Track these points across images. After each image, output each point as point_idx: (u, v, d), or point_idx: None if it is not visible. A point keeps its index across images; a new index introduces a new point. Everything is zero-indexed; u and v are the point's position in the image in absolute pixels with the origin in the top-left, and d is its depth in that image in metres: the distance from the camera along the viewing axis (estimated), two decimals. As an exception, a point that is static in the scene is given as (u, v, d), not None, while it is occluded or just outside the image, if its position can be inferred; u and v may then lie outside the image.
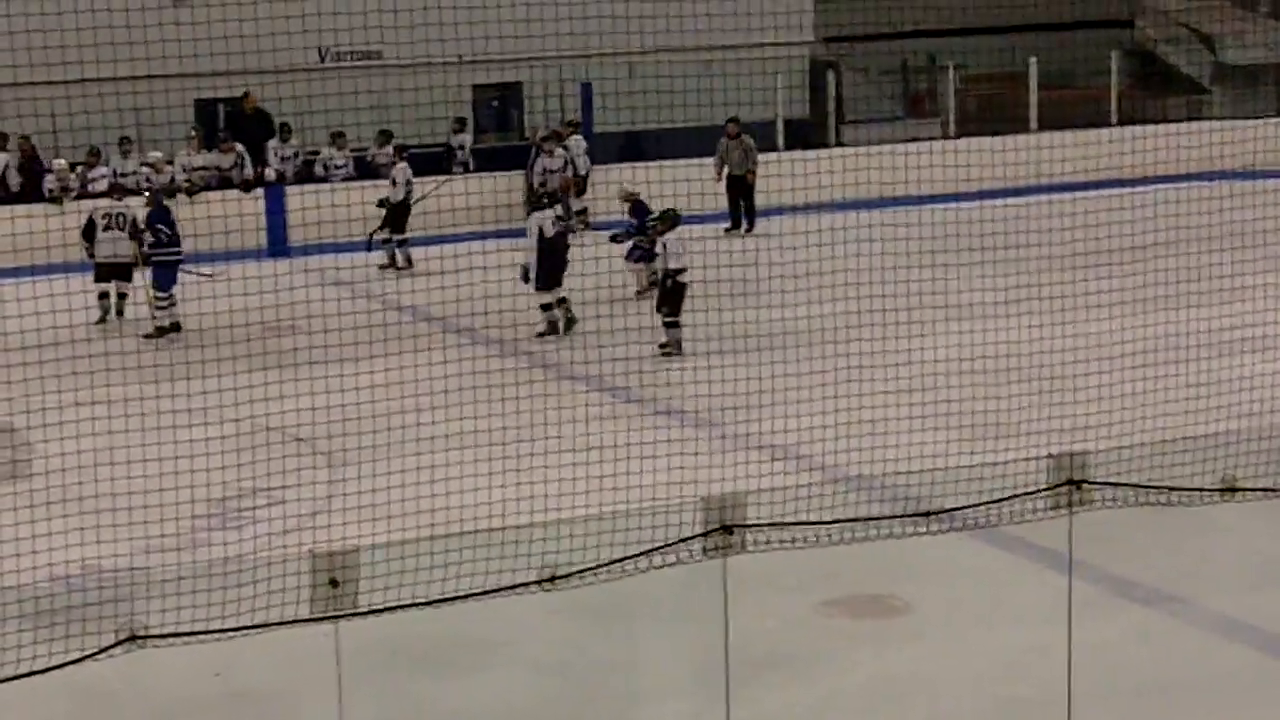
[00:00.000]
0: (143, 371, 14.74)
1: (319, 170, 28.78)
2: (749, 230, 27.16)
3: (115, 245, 21.94)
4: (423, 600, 10.33)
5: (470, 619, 10.64)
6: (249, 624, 10.08)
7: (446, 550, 10.58)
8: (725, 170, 27.86)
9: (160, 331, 20.76)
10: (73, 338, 14.48)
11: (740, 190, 27.80)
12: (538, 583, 10.51)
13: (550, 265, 19.69)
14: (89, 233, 22.04)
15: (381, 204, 25.14)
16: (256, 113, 29.39)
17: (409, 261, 25.07)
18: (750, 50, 29.03)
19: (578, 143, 29.26)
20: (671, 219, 19.22)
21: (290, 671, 10.35)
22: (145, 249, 21.32)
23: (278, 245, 26.17)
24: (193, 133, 28.65)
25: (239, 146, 28.53)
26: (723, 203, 27.26)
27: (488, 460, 12.70)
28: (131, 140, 27.56)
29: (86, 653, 9.76)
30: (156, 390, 13.86)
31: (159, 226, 21.30)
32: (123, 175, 27.49)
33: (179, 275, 20.99)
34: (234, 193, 26.16)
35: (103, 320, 21.77)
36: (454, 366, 15.16)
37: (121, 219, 22.09)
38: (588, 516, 11.38)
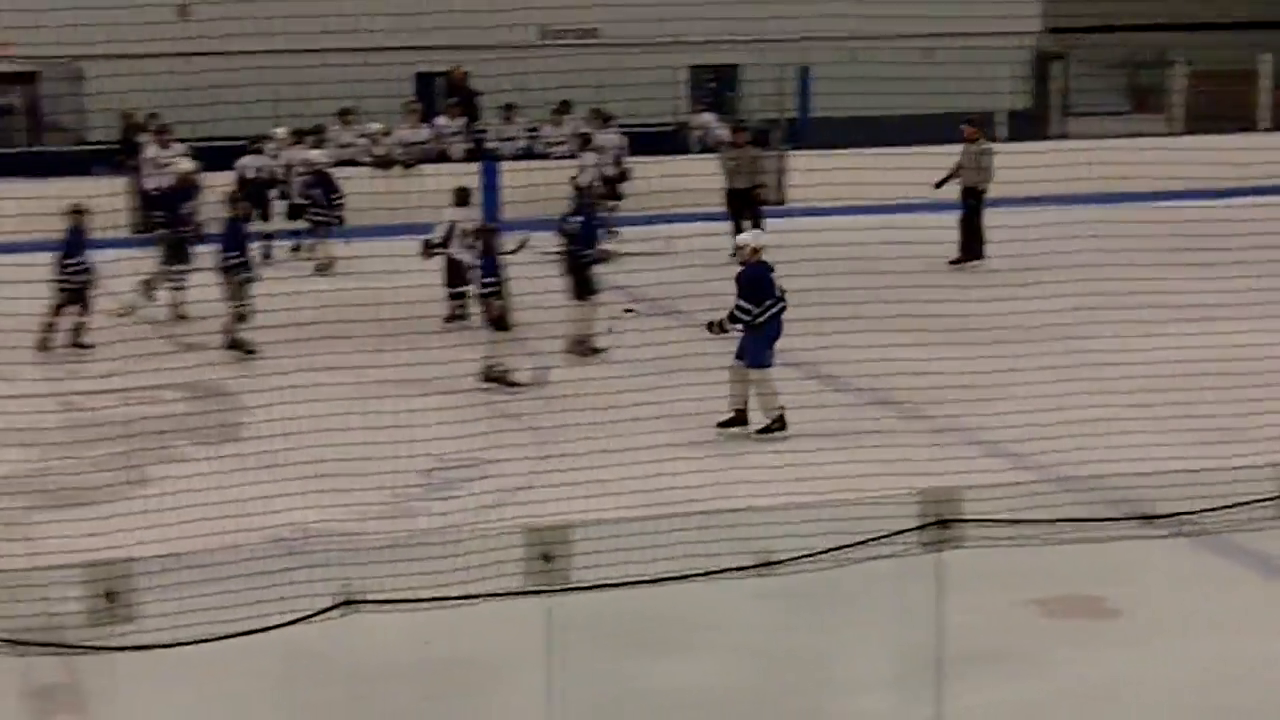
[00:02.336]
0: (364, 340, 14.94)
1: (539, 147, 28.90)
2: None
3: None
4: (634, 579, 10.37)
5: (680, 600, 10.67)
6: (461, 594, 10.20)
7: (659, 531, 10.62)
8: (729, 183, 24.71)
9: None
10: (296, 304, 14.68)
11: (746, 206, 24.40)
12: (752, 567, 10.51)
13: None
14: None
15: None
16: (465, 87, 29.60)
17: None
18: (974, 39, 28.69)
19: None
20: None
21: (499, 643, 10.42)
22: None
23: (491, 220, 26.33)
24: (411, 106, 28.90)
25: (463, 118, 28.75)
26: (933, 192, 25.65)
27: (703, 443, 12.69)
28: (352, 111, 27.89)
29: (301, 615, 9.92)
30: (379, 359, 14.04)
31: None
32: (342, 146, 27.87)
33: None
34: (447, 166, 26.34)
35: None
36: (673, 348, 15.19)
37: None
38: (802, 504, 11.34)
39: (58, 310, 17.98)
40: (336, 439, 12.55)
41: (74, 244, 18.17)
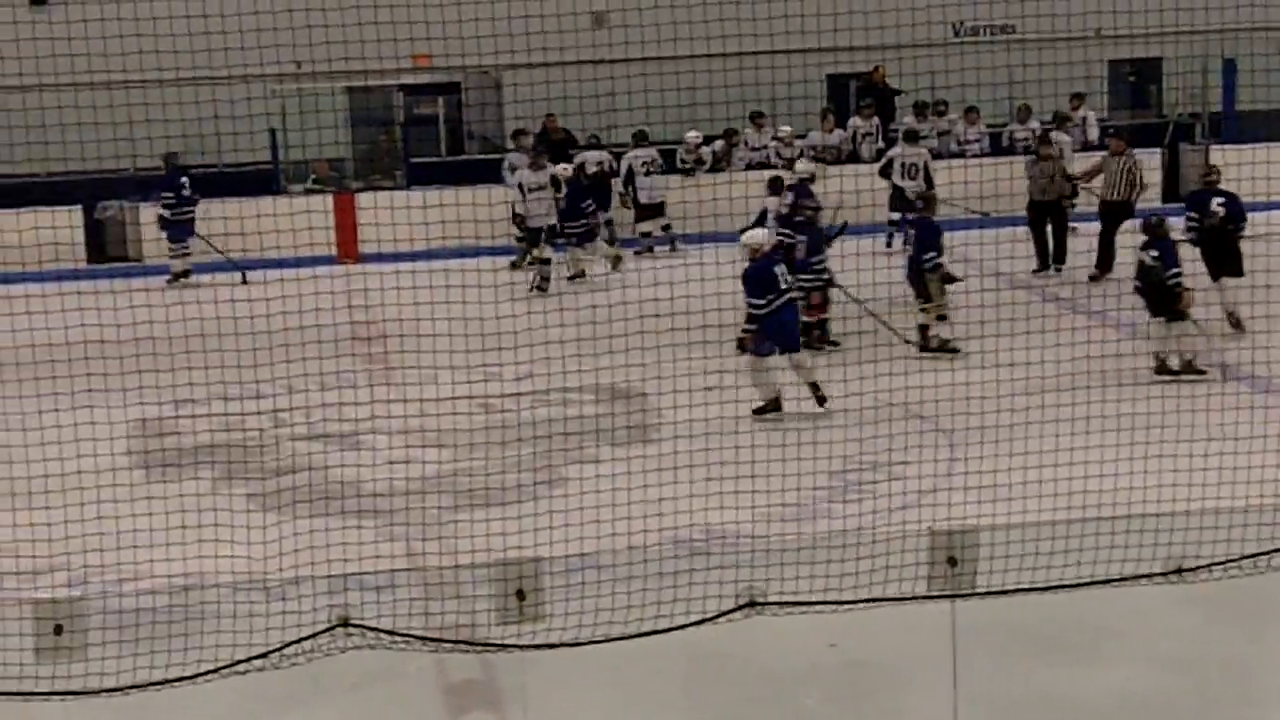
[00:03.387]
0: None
1: (953, 146, 28.62)
2: (1058, 268, 23.03)
3: (650, 192, 26.08)
4: (1042, 585, 10.15)
5: (1089, 606, 10.41)
6: (866, 597, 10.11)
7: (1068, 535, 10.37)
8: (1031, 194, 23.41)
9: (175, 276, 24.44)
10: (702, 306, 14.76)
11: (1051, 217, 23.28)
12: (1164, 574, 10.19)
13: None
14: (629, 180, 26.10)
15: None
16: (885, 87, 29.49)
17: None
18: None
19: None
20: None
21: (904, 647, 10.31)
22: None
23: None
24: (825, 111, 28.92)
25: (876, 119, 28.67)
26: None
27: (1115, 446, 12.37)
28: (764, 114, 28.03)
29: (707, 616, 9.95)
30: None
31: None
32: (754, 149, 28.06)
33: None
34: (851, 168, 26.26)
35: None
36: (1083, 349, 14.90)
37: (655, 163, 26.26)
38: (1218, 509, 10.96)
39: (815, 308, 18.24)
40: (742, 440, 12.58)
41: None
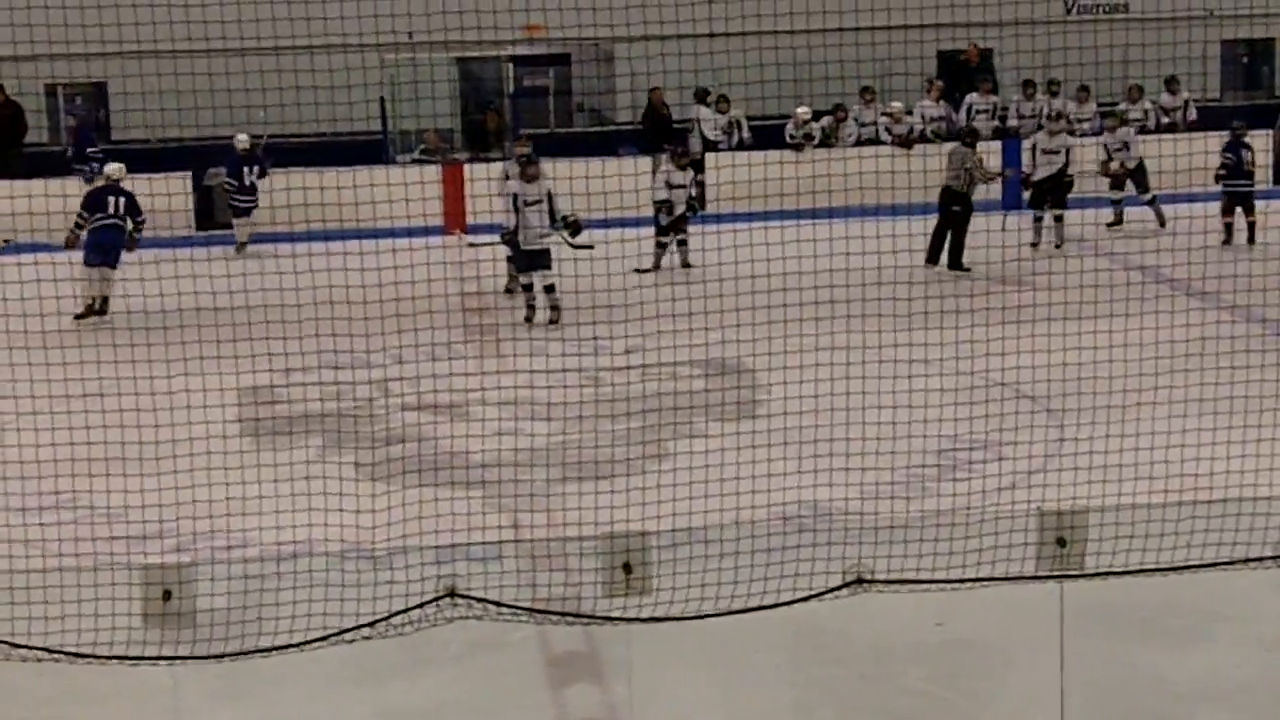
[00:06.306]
0: (880, 320, 14.90)
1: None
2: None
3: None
4: (1151, 567, 10.07)
5: (1198, 590, 10.32)
6: (974, 576, 10.06)
7: (1179, 518, 10.27)
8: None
9: None
10: (815, 282, 14.63)
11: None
12: (1274, 558, 10.10)
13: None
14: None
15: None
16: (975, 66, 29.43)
17: (1160, 220, 24.18)
18: None
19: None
20: None
21: (1011, 626, 10.26)
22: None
23: (1010, 199, 25.99)
24: (929, 83, 28.77)
25: (994, 96, 28.48)
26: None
27: (1227, 429, 12.24)
28: (873, 91, 27.90)
29: (813, 592, 9.93)
30: (895, 339, 13.97)
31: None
32: (863, 125, 27.94)
33: None
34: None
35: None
36: (1195, 330, 14.74)
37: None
38: (1332, 493, 10.84)
39: None
40: (851, 417, 12.53)
41: None
